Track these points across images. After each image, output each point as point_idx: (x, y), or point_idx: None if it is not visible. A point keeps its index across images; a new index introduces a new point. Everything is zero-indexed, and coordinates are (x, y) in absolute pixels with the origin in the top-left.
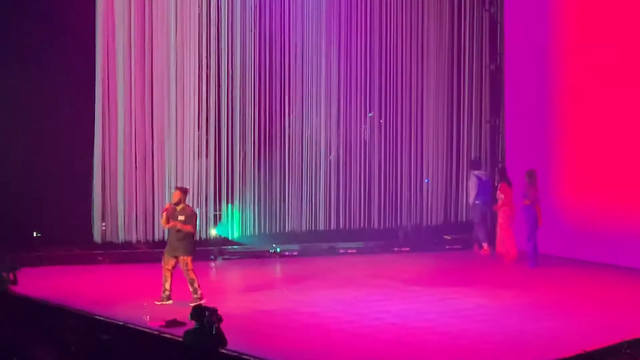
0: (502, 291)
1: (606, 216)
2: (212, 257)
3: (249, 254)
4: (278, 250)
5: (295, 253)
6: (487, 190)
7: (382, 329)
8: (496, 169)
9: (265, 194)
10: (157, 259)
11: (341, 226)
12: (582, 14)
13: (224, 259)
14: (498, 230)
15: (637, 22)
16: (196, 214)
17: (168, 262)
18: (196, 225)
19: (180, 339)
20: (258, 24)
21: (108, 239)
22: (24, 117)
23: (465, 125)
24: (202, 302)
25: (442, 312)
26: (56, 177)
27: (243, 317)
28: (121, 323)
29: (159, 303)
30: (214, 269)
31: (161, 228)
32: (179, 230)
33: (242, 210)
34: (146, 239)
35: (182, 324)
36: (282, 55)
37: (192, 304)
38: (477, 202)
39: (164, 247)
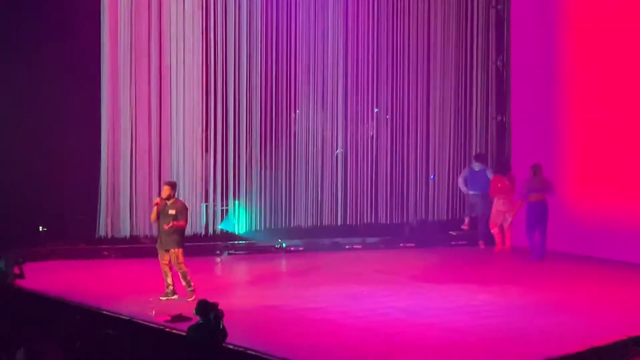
0: (509, 287)
1: (613, 212)
2: (218, 252)
3: (254, 249)
4: (284, 245)
5: (301, 248)
6: (479, 181)
7: (389, 325)
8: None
9: (271, 189)
10: None
11: (347, 222)
12: (589, 10)
13: (229, 254)
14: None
15: None
16: (187, 208)
17: (163, 257)
18: (187, 219)
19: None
20: (265, 18)
21: (113, 234)
22: (29, 113)
23: (472, 122)
24: (189, 300)
25: (449, 308)
26: (62, 172)
27: (249, 312)
28: (126, 318)
29: (164, 298)
30: (220, 264)
31: None
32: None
33: (248, 206)
34: (152, 233)
35: (187, 318)
36: (289, 50)
37: (189, 299)
38: (470, 192)
39: None
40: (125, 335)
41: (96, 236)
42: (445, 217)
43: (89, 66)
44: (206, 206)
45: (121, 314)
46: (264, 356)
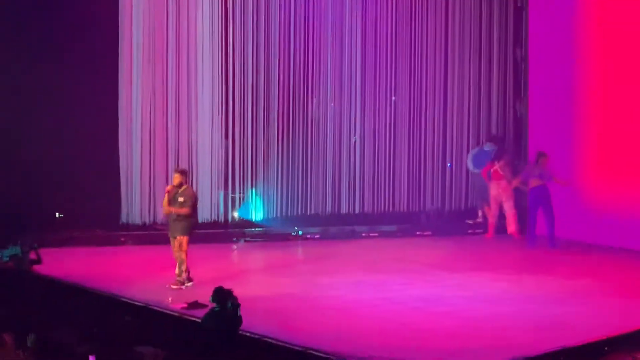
0: (526, 276)
1: (632, 201)
2: (234, 239)
3: (271, 237)
4: (300, 233)
5: (318, 236)
6: (484, 162)
7: (405, 313)
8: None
9: (288, 177)
10: None
11: (364, 210)
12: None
13: (245, 241)
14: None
15: None
16: (196, 196)
17: (174, 245)
18: (196, 206)
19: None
20: (283, 4)
21: (131, 220)
22: (49, 101)
23: (490, 111)
24: (183, 287)
25: (465, 297)
26: (80, 158)
27: (265, 299)
28: (143, 304)
29: (175, 287)
30: (236, 252)
31: None
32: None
33: (265, 193)
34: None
35: (203, 306)
36: (307, 38)
37: (174, 286)
38: (475, 170)
39: None
40: (141, 322)
41: (114, 222)
42: (462, 206)
43: (108, 54)
44: (223, 193)
45: (137, 301)
46: (280, 344)
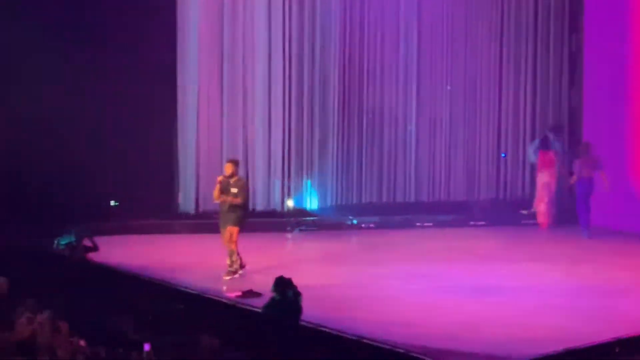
0: (579, 267)
1: None
2: (289, 228)
3: (326, 226)
4: (355, 222)
5: (372, 225)
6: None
7: (460, 303)
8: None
9: (343, 166)
10: None
11: (418, 199)
12: None
13: (300, 230)
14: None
15: None
16: (248, 186)
17: (225, 235)
18: (247, 197)
19: (257, 310)
20: None
21: (185, 209)
22: (108, 90)
23: (547, 101)
24: (236, 276)
25: (519, 287)
26: (136, 147)
27: (319, 288)
28: (197, 292)
29: (228, 277)
30: (290, 241)
31: None
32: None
33: (321, 182)
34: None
35: (257, 294)
36: (362, 26)
37: (226, 277)
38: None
39: None
40: (196, 310)
41: (168, 211)
42: (516, 196)
43: (165, 45)
44: (278, 182)
45: (192, 289)
46: (334, 333)
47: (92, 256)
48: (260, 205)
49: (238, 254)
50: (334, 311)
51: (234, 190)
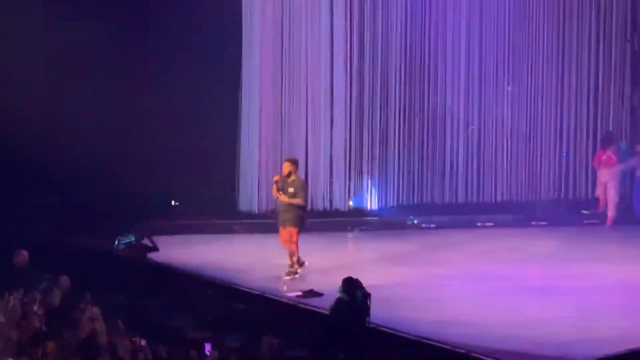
0: None
1: None
2: (349, 228)
3: (386, 226)
4: (416, 222)
5: (433, 225)
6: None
7: (522, 303)
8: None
9: (404, 165)
10: None
11: (480, 199)
12: None
13: (361, 230)
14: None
15: None
16: (307, 186)
17: (282, 235)
18: (306, 197)
19: (318, 310)
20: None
21: (245, 208)
22: (170, 91)
23: (609, 100)
24: (296, 276)
25: (582, 287)
26: (198, 147)
27: (380, 289)
28: (258, 293)
29: (288, 278)
30: (351, 241)
31: None
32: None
33: (381, 182)
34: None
35: (319, 294)
36: (423, 26)
37: (286, 277)
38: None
39: None
40: (257, 310)
41: (229, 211)
42: (578, 196)
43: (229, 46)
44: (338, 182)
45: (253, 289)
46: (397, 333)
47: (152, 256)
48: (320, 206)
49: (299, 257)
50: (395, 311)
51: (291, 189)
